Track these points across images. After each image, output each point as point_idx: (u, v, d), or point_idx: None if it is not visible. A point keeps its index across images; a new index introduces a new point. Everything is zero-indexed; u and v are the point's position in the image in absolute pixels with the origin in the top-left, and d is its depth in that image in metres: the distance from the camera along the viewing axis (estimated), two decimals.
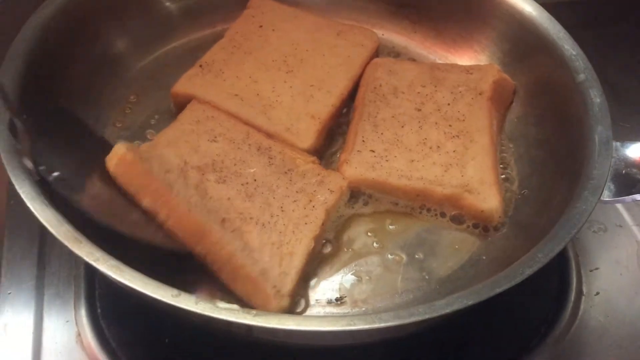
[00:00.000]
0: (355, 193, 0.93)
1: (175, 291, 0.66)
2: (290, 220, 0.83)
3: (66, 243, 0.68)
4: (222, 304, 0.66)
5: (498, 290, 0.69)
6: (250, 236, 0.80)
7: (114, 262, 0.68)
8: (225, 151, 0.89)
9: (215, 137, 0.91)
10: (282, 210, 0.83)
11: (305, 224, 0.82)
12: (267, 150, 0.90)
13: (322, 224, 0.84)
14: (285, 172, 0.88)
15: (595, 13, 1.37)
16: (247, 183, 0.86)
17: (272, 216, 0.83)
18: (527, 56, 1.05)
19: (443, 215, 0.92)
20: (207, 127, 0.92)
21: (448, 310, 0.67)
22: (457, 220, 0.92)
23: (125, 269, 0.67)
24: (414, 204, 0.93)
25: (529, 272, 0.71)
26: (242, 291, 0.76)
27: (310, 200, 0.85)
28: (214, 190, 0.84)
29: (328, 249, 0.88)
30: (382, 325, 0.65)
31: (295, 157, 0.91)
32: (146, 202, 0.78)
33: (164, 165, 0.84)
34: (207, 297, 0.66)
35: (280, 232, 0.81)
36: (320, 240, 0.85)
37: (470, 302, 0.68)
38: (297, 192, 0.86)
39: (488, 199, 0.89)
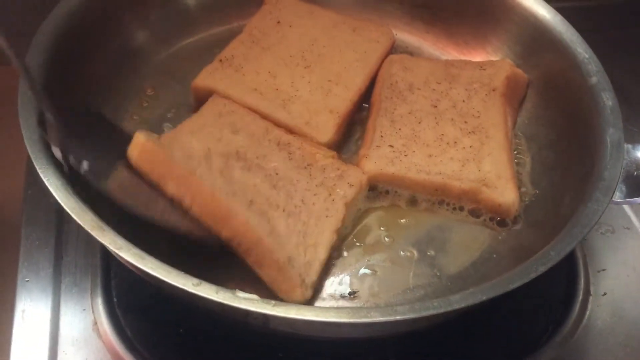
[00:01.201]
0: (373, 187, 0.94)
1: (196, 280, 0.67)
2: (311, 212, 0.84)
3: (90, 231, 0.69)
4: (242, 294, 0.67)
5: (512, 286, 0.70)
6: (277, 222, 0.81)
7: (136, 250, 0.69)
8: (247, 144, 0.90)
9: (237, 130, 0.92)
10: (304, 203, 0.85)
11: (327, 217, 0.84)
12: (286, 146, 0.92)
13: (343, 218, 0.85)
14: (305, 167, 0.89)
15: (606, 18, 1.38)
16: (269, 175, 0.87)
17: (295, 207, 0.84)
18: (539, 58, 1.07)
19: (461, 209, 0.94)
20: (228, 120, 0.93)
21: (463, 304, 0.68)
22: (475, 214, 0.94)
23: (147, 257, 0.69)
24: (432, 198, 0.94)
25: (542, 269, 0.72)
26: (268, 277, 0.78)
27: (330, 194, 0.86)
28: (240, 175, 0.85)
29: (342, 243, 0.89)
30: (399, 317, 0.66)
31: (315, 152, 0.92)
32: (170, 188, 0.79)
33: (186, 151, 0.85)
34: (227, 286, 0.67)
35: (304, 223, 0.82)
36: (340, 233, 0.86)
37: (485, 297, 0.69)
38: (317, 186, 0.87)
39: (505, 193, 0.91)
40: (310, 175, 0.89)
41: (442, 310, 0.67)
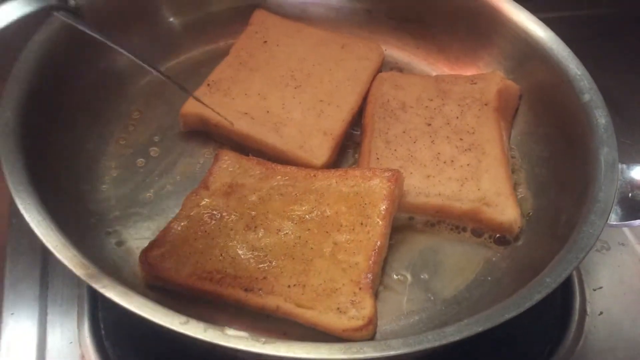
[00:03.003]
0: None
1: (183, 318, 0.66)
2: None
3: (73, 270, 0.67)
4: (231, 331, 0.65)
5: (507, 316, 0.69)
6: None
7: (121, 288, 0.67)
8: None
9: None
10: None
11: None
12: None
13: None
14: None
15: (595, 28, 1.37)
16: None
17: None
18: (531, 74, 1.05)
19: (464, 229, 0.93)
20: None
21: (458, 337, 0.67)
22: (477, 233, 0.93)
23: (133, 295, 0.67)
24: (431, 219, 0.93)
25: (538, 297, 0.71)
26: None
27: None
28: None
29: None
30: (392, 353, 0.65)
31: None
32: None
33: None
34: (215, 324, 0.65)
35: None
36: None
37: (480, 329, 0.68)
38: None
39: (506, 211, 0.90)
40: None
41: (436, 344, 0.66)
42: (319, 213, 0.87)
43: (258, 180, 0.91)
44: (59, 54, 0.93)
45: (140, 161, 0.98)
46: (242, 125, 0.97)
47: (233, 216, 0.87)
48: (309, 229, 0.86)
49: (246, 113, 0.99)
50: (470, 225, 0.93)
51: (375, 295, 0.83)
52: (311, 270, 0.81)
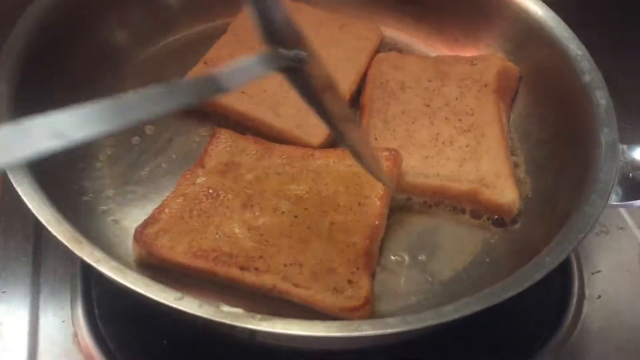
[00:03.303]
0: None
1: (178, 294, 0.64)
2: None
3: (66, 243, 0.66)
4: (226, 308, 0.64)
5: (506, 296, 0.68)
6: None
7: (115, 263, 0.66)
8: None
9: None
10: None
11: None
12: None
13: None
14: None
15: (598, 12, 1.36)
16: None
17: None
18: (531, 55, 1.04)
19: (462, 210, 0.92)
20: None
21: (456, 316, 0.66)
22: (475, 214, 0.92)
23: (127, 271, 0.66)
24: (428, 200, 0.92)
25: (537, 276, 0.70)
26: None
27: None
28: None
29: None
30: (390, 331, 0.64)
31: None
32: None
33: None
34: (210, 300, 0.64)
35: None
36: None
37: (479, 308, 0.67)
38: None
39: (505, 193, 0.89)
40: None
41: (434, 322, 0.65)
42: (317, 192, 0.86)
43: (255, 159, 0.90)
44: (54, 27, 0.91)
45: (136, 139, 0.97)
46: (239, 104, 0.96)
47: (229, 195, 0.86)
48: (306, 208, 0.84)
49: (243, 92, 0.97)
50: (468, 206, 0.92)
51: (373, 276, 0.82)
52: (308, 250, 0.80)
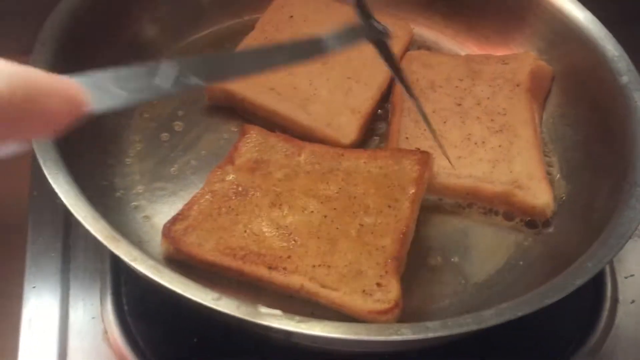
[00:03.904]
0: None
1: (215, 294, 0.64)
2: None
3: (104, 241, 0.66)
4: (264, 309, 0.63)
5: (548, 301, 0.67)
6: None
7: (152, 262, 0.65)
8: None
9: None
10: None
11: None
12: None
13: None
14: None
15: (633, 9, 1.33)
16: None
17: None
18: (565, 55, 1.02)
19: (496, 213, 0.91)
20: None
21: (497, 321, 0.65)
22: (508, 216, 0.90)
23: (163, 269, 0.65)
24: (460, 202, 0.91)
25: (579, 282, 0.69)
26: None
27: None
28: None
29: None
30: (430, 335, 0.63)
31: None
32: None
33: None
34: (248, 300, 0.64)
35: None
36: None
37: (520, 313, 0.66)
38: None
39: (539, 194, 0.88)
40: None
41: (475, 328, 0.64)
42: (346, 193, 0.85)
43: (284, 157, 0.89)
44: (84, 22, 0.91)
45: (165, 135, 0.96)
46: (269, 101, 0.95)
47: (258, 193, 0.85)
48: (335, 209, 0.83)
49: (272, 89, 0.97)
50: (501, 208, 0.91)
51: (401, 278, 0.81)
52: (337, 251, 0.79)
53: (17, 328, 0.83)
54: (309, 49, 0.69)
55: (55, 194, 0.71)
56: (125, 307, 0.85)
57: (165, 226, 0.80)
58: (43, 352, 0.81)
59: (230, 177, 0.86)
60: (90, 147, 0.87)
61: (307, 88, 0.97)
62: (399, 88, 1.01)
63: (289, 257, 0.78)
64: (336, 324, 0.64)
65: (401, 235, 0.80)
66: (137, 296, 0.86)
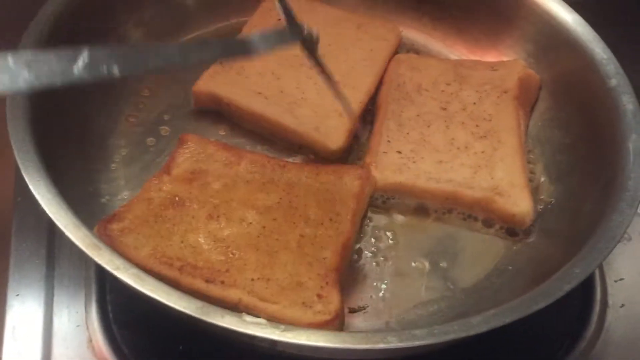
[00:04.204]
0: (380, 196, 0.90)
1: (199, 303, 0.63)
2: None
3: (85, 250, 0.64)
4: (249, 318, 0.63)
5: (536, 307, 0.66)
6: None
7: (134, 270, 0.65)
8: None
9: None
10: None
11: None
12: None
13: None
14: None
15: (625, 13, 1.33)
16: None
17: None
18: (554, 58, 1.02)
19: (475, 218, 0.90)
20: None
21: (485, 328, 0.64)
22: (488, 223, 0.90)
23: (146, 278, 0.64)
24: (442, 207, 0.90)
25: (568, 287, 0.68)
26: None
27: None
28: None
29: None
30: (417, 343, 0.62)
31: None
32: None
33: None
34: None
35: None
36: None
37: (508, 320, 0.65)
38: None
39: (519, 202, 0.87)
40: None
41: (462, 335, 0.63)
42: (287, 203, 0.83)
43: (223, 166, 0.87)
44: (68, 23, 0.89)
45: (150, 140, 0.95)
46: (256, 105, 0.94)
47: (195, 204, 0.82)
48: (274, 219, 0.81)
49: (259, 92, 0.96)
50: (481, 215, 0.90)
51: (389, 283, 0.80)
52: (276, 263, 0.77)
53: (1, 336, 0.81)
54: (236, 48, 0.71)
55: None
56: (110, 315, 0.84)
57: (100, 222, 0.77)
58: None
59: (167, 187, 0.84)
60: (74, 152, 0.86)
61: (294, 92, 0.96)
62: (384, 91, 1.00)
63: (227, 270, 0.75)
64: (322, 332, 0.63)
65: (342, 248, 0.79)
66: (122, 304, 0.85)
